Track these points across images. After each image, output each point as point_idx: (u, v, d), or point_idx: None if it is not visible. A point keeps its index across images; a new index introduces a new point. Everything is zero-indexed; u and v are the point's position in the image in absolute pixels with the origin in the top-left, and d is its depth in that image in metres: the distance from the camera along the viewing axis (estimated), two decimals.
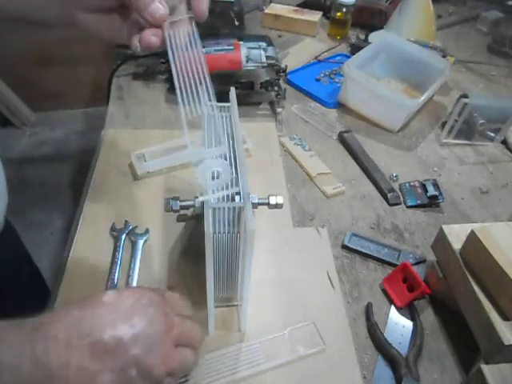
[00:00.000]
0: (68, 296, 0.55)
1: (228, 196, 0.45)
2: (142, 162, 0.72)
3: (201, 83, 0.45)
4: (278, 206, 0.50)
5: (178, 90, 0.42)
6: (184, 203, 0.52)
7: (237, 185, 0.46)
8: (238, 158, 0.49)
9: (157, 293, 0.43)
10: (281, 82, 0.89)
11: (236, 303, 0.56)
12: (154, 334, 0.39)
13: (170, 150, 0.75)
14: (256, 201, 0.48)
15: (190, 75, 0.45)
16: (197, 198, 0.52)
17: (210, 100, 0.42)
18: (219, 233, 0.44)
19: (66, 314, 0.37)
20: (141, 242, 0.62)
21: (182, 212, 0.56)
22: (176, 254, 0.61)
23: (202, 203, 0.47)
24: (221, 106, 0.57)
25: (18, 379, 0.33)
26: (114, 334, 0.36)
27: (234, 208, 0.43)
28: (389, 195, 0.74)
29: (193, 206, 0.52)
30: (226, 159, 0.49)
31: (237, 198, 0.45)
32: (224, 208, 0.43)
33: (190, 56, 0.47)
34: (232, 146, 0.51)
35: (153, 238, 0.63)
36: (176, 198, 0.52)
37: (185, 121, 0.40)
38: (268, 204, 0.50)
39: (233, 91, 0.59)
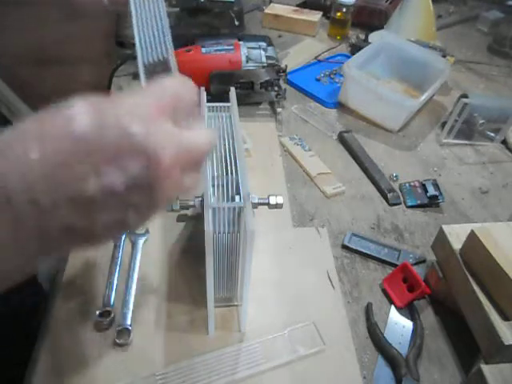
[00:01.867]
0: (68, 296, 0.55)
1: (228, 196, 0.45)
2: None
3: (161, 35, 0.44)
4: (278, 206, 0.50)
5: (137, 38, 0.40)
6: (184, 203, 0.52)
7: (237, 185, 0.46)
8: (238, 158, 0.49)
9: (148, 102, 0.29)
10: (281, 81, 0.89)
11: (236, 303, 0.56)
12: (155, 171, 0.26)
13: None
14: (256, 201, 0.48)
15: (150, 28, 0.44)
16: (197, 197, 0.52)
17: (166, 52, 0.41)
18: (219, 233, 0.44)
19: (23, 163, 0.25)
20: (141, 242, 0.62)
21: (182, 212, 0.56)
22: (176, 254, 0.61)
23: (202, 203, 0.47)
24: (221, 106, 0.57)
25: None
26: (101, 184, 0.25)
27: (234, 208, 0.43)
28: (389, 195, 0.73)
29: (193, 205, 0.52)
30: (226, 159, 0.49)
31: (237, 197, 0.45)
32: (224, 208, 0.43)
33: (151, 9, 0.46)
34: (232, 145, 0.51)
35: (153, 237, 0.63)
36: (176, 198, 0.52)
37: (142, 68, 0.38)
38: (268, 204, 0.50)
39: (233, 91, 0.59)
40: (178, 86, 0.30)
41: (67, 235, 0.27)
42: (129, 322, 0.53)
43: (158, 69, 0.44)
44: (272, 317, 0.55)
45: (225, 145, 0.51)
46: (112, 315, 0.53)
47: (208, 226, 0.40)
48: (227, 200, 0.45)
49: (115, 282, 0.57)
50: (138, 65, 0.39)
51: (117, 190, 0.26)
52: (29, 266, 0.28)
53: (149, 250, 0.61)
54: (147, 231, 0.63)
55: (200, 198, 0.51)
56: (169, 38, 0.44)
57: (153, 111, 0.28)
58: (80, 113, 0.27)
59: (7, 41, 0.56)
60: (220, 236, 0.44)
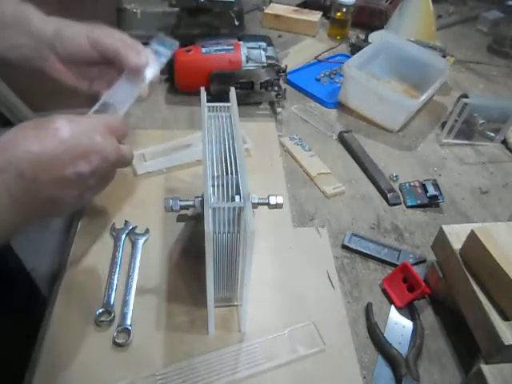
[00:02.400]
0: (68, 296, 0.55)
1: (228, 196, 0.45)
2: (142, 162, 0.72)
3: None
4: (278, 206, 0.50)
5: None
6: (184, 203, 0.52)
7: (237, 185, 0.46)
8: (238, 157, 0.49)
9: (103, 123, 0.47)
10: (281, 82, 0.89)
11: (236, 303, 0.56)
12: (106, 166, 0.46)
13: (170, 150, 0.75)
14: (256, 201, 0.48)
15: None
16: (197, 197, 0.52)
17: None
18: (219, 233, 0.44)
19: (26, 152, 0.40)
20: (141, 242, 0.62)
21: (182, 212, 0.56)
22: (176, 254, 0.61)
23: (202, 203, 0.47)
24: (221, 106, 0.57)
25: None
26: (75, 170, 0.42)
27: (234, 208, 0.43)
28: (389, 195, 0.74)
29: (193, 205, 0.52)
30: (226, 159, 0.49)
31: (237, 197, 0.45)
32: (224, 208, 0.43)
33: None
34: (232, 145, 0.51)
35: (153, 238, 0.63)
36: (176, 198, 0.52)
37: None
38: (268, 204, 0.50)
39: (233, 91, 0.59)
40: (118, 123, 0.49)
41: (47, 203, 0.42)
42: (129, 322, 0.53)
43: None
44: (272, 317, 0.55)
45: (225, 145, 0.51)
46: (112, 315, 0.53)
47: (208, 226, 0.40)
48: (227, 200, 0.45)
49: (115, 282, 0.57)
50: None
51: (84, 174, 0.43)
52: (17, 229, 0.42)
53: (149, 250, 0.62)
54: (147, 231, 0.63)
55: (200, 198, 0.51)
56: None
57: (104, 131, 0.46)
58: (62, 126, 0.43)
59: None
60: (220, 236, 0.44)
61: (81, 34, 0.56)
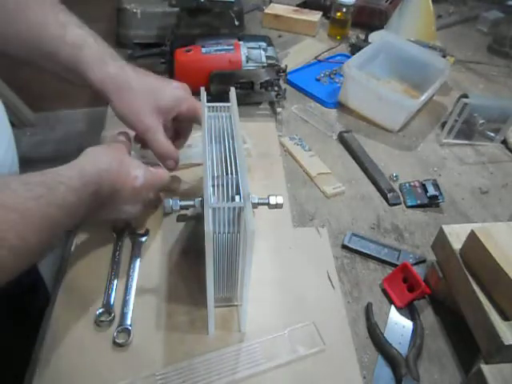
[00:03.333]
0: (68, 296, 0.55)
1: (228, 196, 0.45)
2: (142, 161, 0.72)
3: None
4: (278, 206, 0.50)
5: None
6: (184, 203, 0.52)
7: (237, 185, 0.46)
8: (238, 157, 0.49)
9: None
10: (281, 82, 0.89)
11: (236, 303, 0.56)
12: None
13: None
14: (256, 201, 0.48)
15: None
16: (197, 197, 0.52)
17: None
18: (219, 233, 0.44)
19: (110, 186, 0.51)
20: (141, 242, 0.62)
21: (182, 212, 0.56)
22: (176, 254, 0.61)
23: (202, 203, 0.47)
24: (221, 106, 0.57)
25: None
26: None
27: (234, 208, 0.43)
28: (389, 195, 0.74)
29: (193, 206, 0.52)
30: (226, 159, 0.49)
31: (237, 197, 0.45)
32: (224, 208, 0.43)
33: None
34: (232, 145, 0.51)
35: (153, 237, 0.63)
36: (176, 198, 0.52)
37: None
38: (268, 204, 0.50)
39: (233, 91, 0.59)
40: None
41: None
42: (129, 322, 0.53)
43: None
44: (272, 317, 0.55)
45: (225, 145, 0.51)
46: (112, 315, 0.53)
47: (208, 226, 0.40)
48: (227, 200, 0.45)
49: (115, 281, 0.57)
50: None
51: (137, 188, 0.55)
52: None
53: (149, 250, 0.61)
54: (147, 231, 0.63)
55: (200, 198, 0.51)
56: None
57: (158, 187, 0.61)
58: (140, 176, 0.55)
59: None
60: (220, 236, 0.44)
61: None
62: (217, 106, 0.57)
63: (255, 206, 0.48)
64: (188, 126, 0.67)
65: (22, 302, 0.75)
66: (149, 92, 0.58)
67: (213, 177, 0.47)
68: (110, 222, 0.62)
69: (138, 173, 0.54)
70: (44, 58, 0.58)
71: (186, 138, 0.68)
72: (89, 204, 0.48)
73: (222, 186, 0.46)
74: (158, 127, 0.59)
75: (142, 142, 0.63)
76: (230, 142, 0.51)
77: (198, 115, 0.59)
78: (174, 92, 0.60)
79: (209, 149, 0.50)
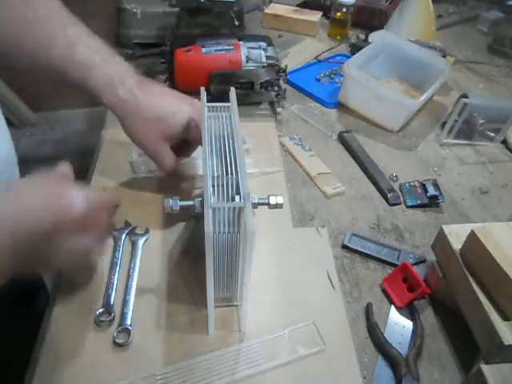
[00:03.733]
0: (68, 296, 0.55)
1: (228, 196, 0.45)
2: (142, 159, 0.72)
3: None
4: (278, 206, 0.50)
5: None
6: (184, 203, 0.52)
7: (237, 185, 0.46)
8: (238, 157, 0.49)
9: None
10: (281, 82, 0.89)
11: (236, 303, 0.56)
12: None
13: None
14: (256, 201, 0.48)
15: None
16: (197, 197, 0.52)
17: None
18: (219, 233, 0.44)
19: (36, 225, 0.41)
20: (141, 242, 0.62)
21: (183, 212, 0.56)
22: (176, 253, 0.61)
23: (202, 203, 0.47)
24: (221, 106, 0.57)
25: None
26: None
27: (234, 208, 0.43)
28: (389, 195, 0.73)
29: (193, 206, 0.52)
30: (226, 159, 0.49)
31: (237, 197, 0.45)
32: (224, 208, 0.43)
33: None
34: (232, 145, 0.51)
35: (153, 238, 0.63)
36: (176, 198, 0.52)
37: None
38: (268, 204, 0.50)
39: (233, 91, 0.59)
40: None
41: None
42: (129, 322, 0.53)
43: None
44: (272, 317, 0.55)
45: (225, 145, 0.51)
46: (112, 315, 0.53)
47: (208, 226, 0.40)
48: (227, 200, 0.45)
49: (115, 282, 0.57)
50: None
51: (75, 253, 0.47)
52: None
53: (149, 250, 0.61)
54: (147, 231, 0.63)
55: (200, 198, 0.51)
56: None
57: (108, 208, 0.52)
58: (79, 203, 0.45)
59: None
60: (220, 236, 0.44)
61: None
62: (217, 106, 0.57)
63: (255, 206, 0.48)
64: (197, 143, 0.66)
65: (22, 302, 0.75)
66: (157, 120, 0.58)
67: (213, 177, 0.47)
68: (57, 268, 0.53)
69: (77, 200, 0.45)
70: (53, 76, 0.58)
71: (194, 150, 0.68)
72: (5, 255, 0.39)
73: (222, 186, 0.46)
74: (165, 152, 0.60)
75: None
76: (230, 142, 0.51)
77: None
78: (183, 119, 0.59)
79: (209, 149, 0.50)
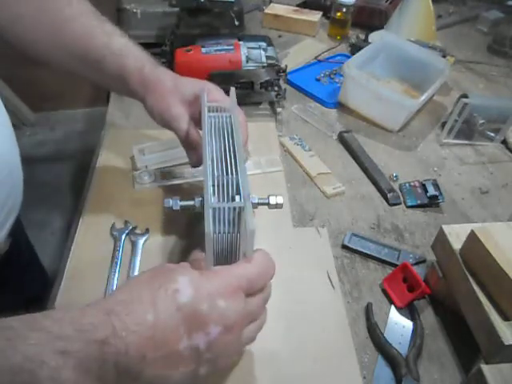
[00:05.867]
0: (68, 296, 0.55)
1: (228, 196, 0.45)
2: (141, 156, 0.73)
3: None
4: (277, 206, 0.50)
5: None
6: (184, 203, 0.52)
7: (237, 185, 0.46)
8: (238, 157, 0.48)
9: (234, 284, 0.38)
10: (281, 81, 0.89)
11: None
12: (227, 338, 0.37)
13: (169, 148, 0.75)
14: (256, 201, 0.48)
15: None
16: (197, 197, 0.52)
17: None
18: (219, 233, 0.44)
19: (138, 324, 0.33)
20: (141, 242, 0.62)
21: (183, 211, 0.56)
22: (176, 253, 0.61)
23: (202, 203, 0.47)
24: (221, 106, 0.57)
25: None
26: (190, 344, 0.35)
27: (235, 208, 0.43)
28: (389, 195, 0.74)
29: (193, 205, 0.52)
30: (226, 159, 0.49)
31: (237, 197, 0.45)
32: (224, 208, 0.43)
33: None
34: (232, 145, 0.51)
35: (153, 237, 0.63)
36: (176, 198, 0.52)
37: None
38: (268, 204, 0.50)
39: (233, 91, 0.59)
40: (255, 274, 0.40)
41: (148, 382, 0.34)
42: None
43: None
44: (271, 316, 0.55)
45: (225, 144, 0.51)
46: None
47: (208, 227, 0.40)
48: (227, 200, 0.45)
49: (115, 282, 0.57)
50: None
51: (200, 349, 0.35)
52: None
53: (149, 250, 0.62)
54: (147, 231, 0.63)
55: (200, 198, 0.51)
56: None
57: (231, 292, 0.37)
58: (183, 287, 0.36)
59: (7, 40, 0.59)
60: (220, 236, 0.44)
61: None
62: (217, 106, 0.57)
63: (255, 206, 0.48)
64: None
65: (22, 287, 0.75)
66: (175, 86, 0.59)
67: (213, 176, 0.47)
68: None
69: (180, 283, 0.36)
70: (89, 67, 0.60)
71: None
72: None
73: (222, 185, 0.46)
74: (183, 117, 0.59)
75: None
76: (230, 141, 0.51)
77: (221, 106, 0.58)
78: (197, 82, 0.61)
79: (209, 148, 0.50)
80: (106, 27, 0.60)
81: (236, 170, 0.47)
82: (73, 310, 0.33)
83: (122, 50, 0.59)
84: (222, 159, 0.49)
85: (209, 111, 0.56)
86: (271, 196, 0.50)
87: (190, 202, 0.52)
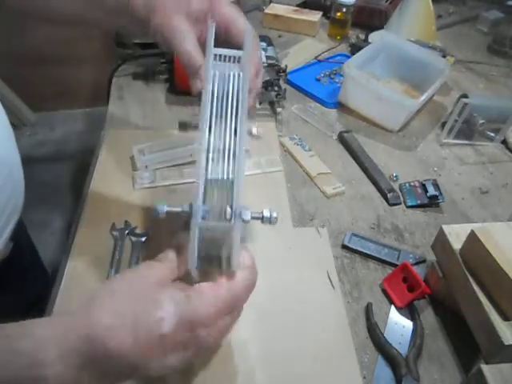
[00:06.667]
0: (68, 296, 0.55)
1: (221, 209, 0.41)
2: (141, 156, 0.73)
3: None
4: (272, 221, 0.48)
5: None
6: (171, 209, 0.49)
7: (231, 191, 0.42)
8: (237, 162, 0.43)
9: (216, 309, 0.38)
10: (281, 81, 0.89)
11: None
12: (200, 354, 0.39)
13: (169, 147, 0.75)
14: (248, 218, 0.45)
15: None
16: (185, 205, 0.49)
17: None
18: (207, 229, 0.41)
19: (119, 350, 0.34)
20: (141, 242, 0.62)
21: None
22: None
23: (191, 209, 0.42)
24: (230, 56, 0.46)
25: None
26: (163, 364, 0.36)
27: (224, 226, 0.40)
28: (389, 195, 0.74)
29: (181, 212, 0.49)
30: (224, 154, 0.45)
31: (228, 210, 0.41)
32: (212, 226, 0.40)
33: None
34: (234, 140, 0.44)
35: (153, 237, 0.63)
36: (163, 204, 0.49)
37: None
38: (262, 219, 0.48)
39: (249, 30, 0.44)
40: (237, 298, 0.40)
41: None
42: None
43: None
44: (272, 317, 0.55)
45: (225, 135, 0.43)
46: None
47: (193, 254, 0.38)
48: (219, 214, 0.41)
49: None
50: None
51: (174, 366, 0.36)
52: None
53: (149, 250, 0.61)
54: (147, 231, 0.63)
55: (188, 209, 0.48)
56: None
57: (213, 320, 0.37)
58: (168, 317, 0.35)
59: (7, 40, 0.58)
60: (207, 233, 0.41)
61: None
62: (225, 56, 0.46)
63: (248, 222, 0.46)
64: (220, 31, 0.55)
65: (23, 288, 0.75)
66: (180, 1, 0.52)
67: (206, 180, 0.42)
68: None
69: (165, 312, 0.35)
70: (92, 5, 0.54)
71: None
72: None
73: (216, 190, 0.42)
74: (185, 31, 0.51)
75: None
76: (233, 124, 0.43)
77: (230, 25, 0.50)
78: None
79: (207, 129, 0.42)
80: None
81: (233, 174, 0.42)
82: (58, 326, 0.34)
83: None
84: (222, 150, 0.43)
85: (215, 60, 0.46)
86: (265, 210, 0.47)
87: (178, 209, 0.48)
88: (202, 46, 0.49)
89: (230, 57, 0.46)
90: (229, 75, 0.44)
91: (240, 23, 0.50)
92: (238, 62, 0.46)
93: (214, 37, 0.44)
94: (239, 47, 0.46)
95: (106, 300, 0.36)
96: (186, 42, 0.49)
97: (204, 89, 0.43)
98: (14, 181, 0.58)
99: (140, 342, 0.34)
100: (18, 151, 0.60)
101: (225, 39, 0.50)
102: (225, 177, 0.42)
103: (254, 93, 0.52)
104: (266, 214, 0.45)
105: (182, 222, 0.51)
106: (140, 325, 0.34)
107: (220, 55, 0.46)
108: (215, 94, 0.43)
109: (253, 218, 0.44)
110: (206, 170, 0.42)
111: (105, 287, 0.37)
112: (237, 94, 0.44)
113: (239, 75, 0.44)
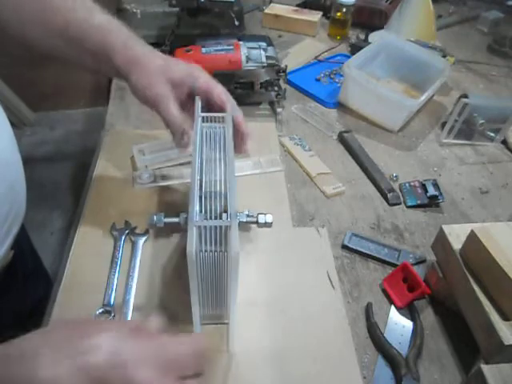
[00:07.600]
0: (68, 296, 0.55)
1: (216, 213, 0.43)
2: (141, 156, 0.73)
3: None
4: (266, 224, 0.49)
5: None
6: (168, 220, 0.50)
7: (225, 200, 0.43)
8: (229, 173, 0.46)
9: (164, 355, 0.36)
10: (281, 82, 0.89)
11: (227, 321, 0.53)
12: None
13: (168, 148, 0.75)
14: (244, 219, 0.46)
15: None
16: (182, 214, 0.50)
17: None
18: (205, 251, 0.42)
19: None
20: (141, 242, 0.62)
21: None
22: (176, 253, 0.61)
23: (187, 220, 0.43)
24: (215, 117, 0.54)
25: None
26: None
27: (221, 226, 0.41)
28: (389, 195, 0.73)
29: (178, 223, 0.50)
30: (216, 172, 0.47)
31: (224, 215, 0.42)
32: (209, 226, 0.41)
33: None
34: (224, 159, 0.48)
35: (153, 238, 0.63)
36: (160, 214, 0.50)
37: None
38: (257, 223, 0.48)
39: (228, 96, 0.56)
40: (186, 355, 0.37)
41: None
42: None
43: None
44: (272, 317, 0.55)
45: (215, 157, 0.49)
46: (112, 315, 0.53)
47: (191, 246, 0.38)
48: (214, 217, 0.42)
49: (115, 282, 0.57)
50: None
51: None
52: None
53: (149, 250, 0.61)
54: (147, 231, 0.63)
55: (185, 215, 0.49)
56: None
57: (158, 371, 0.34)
58: (99, 348, 0.33)
59: (7, 40, 0.58)
60: (206, 254, 0.42)
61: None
62: (212, 117, 0.54)
63: (243, 224, 0.47)
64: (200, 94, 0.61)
65: (26, 294, 0.75)
66: (163, 66, 0.56)
67: (200, 196, 0.44)
68: None
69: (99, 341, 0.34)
70: (70, 43, 0.56)
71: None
72: None
73: (210, 199, 0.44)
74: (169, 97, 0.55)
75: None
76: (222, 154, 0.49)
77: (211, 93, 0.56)
78: (186, 67, 0.58)
79: (198, 161, 0.47)
80: (87, 3, 0.57)
81: (225, 186, 0.45)
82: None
83: (105, 25, 0.56)
84: (212, 172, 0.47)
85: (203, 121, 0.54)
86: (260, 214, 0.48)
87: (175, 219, 0.50)
88: (181, 104, 0.56)
89: (215, 117, 0.54)
90: (215, 127, 0.54)
91: (218, 90, 0.56)
92: (222, 121, 0.54)
93: (200, 106, 0.55)
94: (219, 110, 0.55)
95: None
96: (170, 108, 0.54)
97: (193, 145, 0.49)
98: (15, 193, 0.57)
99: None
100: (18, 151, 0.60)
101: (206, 103, 0.57)
102: (218, 189, 0.45)
103: (245, 136, 0.58)
104: (261, 217, 0.49)
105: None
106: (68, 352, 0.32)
107: (206, 117, 0.54)
108: (204, 138, 0.50)
109: (248, 221, 0.47)
110: (200, 183, 0.45)
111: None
112: (222, 135, 0.51)
113: (223, 127, 0.53)
